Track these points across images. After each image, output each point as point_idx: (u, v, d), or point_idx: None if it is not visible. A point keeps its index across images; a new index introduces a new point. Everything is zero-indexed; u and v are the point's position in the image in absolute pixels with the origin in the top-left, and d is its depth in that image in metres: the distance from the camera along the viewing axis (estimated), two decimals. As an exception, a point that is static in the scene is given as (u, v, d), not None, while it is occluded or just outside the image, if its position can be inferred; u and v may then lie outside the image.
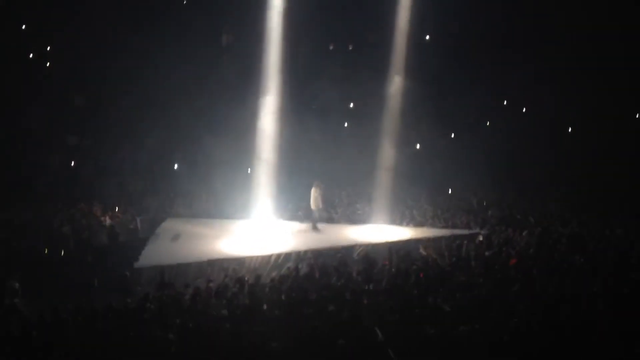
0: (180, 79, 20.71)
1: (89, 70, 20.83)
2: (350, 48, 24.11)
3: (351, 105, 23.62)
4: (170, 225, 17.13)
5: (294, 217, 18.41)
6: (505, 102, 23.70)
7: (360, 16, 22.02)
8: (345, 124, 23.63)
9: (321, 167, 20.23)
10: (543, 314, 8.95)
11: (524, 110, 23.58)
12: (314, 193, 17.01)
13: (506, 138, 21.92)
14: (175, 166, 20.79)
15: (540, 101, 22.62)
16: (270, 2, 18.59)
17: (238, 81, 20.39)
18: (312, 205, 17.07)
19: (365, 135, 20.77)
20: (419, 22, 19.77)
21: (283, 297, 10.67)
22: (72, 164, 20.79)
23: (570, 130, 22.74)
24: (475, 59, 22.54)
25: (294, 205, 18.99)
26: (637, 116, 21.72)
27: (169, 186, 20.02)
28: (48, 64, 21.24)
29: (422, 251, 14.52)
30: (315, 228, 16.83)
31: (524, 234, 15.38)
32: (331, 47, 24.06)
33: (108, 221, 17.16)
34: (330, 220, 18.13)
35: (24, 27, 20.66)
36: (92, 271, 13.65)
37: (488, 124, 22.90)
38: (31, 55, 21.04)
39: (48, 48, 21.31)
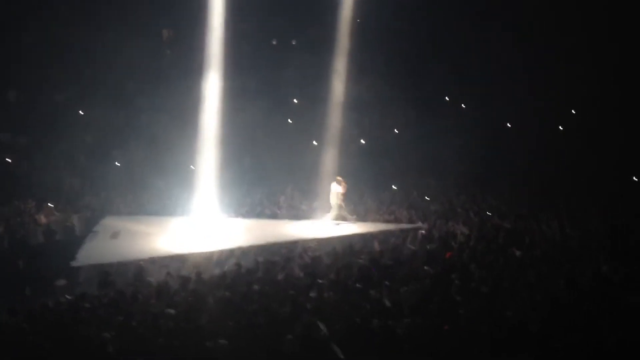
0: (118, 75, 20.27)
1: (23, 65, 20.08)
2: (294, 43, 24.07)
3: (295, 101, 23.58)
4: (109, 222, 16.75)
5: (237, 213, 18.27)
6: (446, 98, 24.09)
7: (303, 11, 21.97)
8: (289, 120, 23.58)
9: (265, 164, 20.17)
10: (481, 306, 9.13)
11: (463, 106, 24.03)
12: (334, 189, 16.89)
13: (447, 134, 22.28)
14: (116, 163, 20.33)
15: (480, 98, 23.09)
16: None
17: (179, 75, 20.08)
18: (332, 201, 16.95)
19: (308, 131, 20.79)
20: (361, 16, 19.89)
21: (226, 293, 10.56)
22: (6, 161, 20.02)
23: (509, 125, 23.30)
24: (420, 56, 22.82)
25: (237, 201, 18.84)
26: (572, 112, 22.40)
27: (108, 183, 19.53)
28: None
29: (375, 245, 14.60)
30: (344, 219, 16.73)
31: (463, 227, 15.69)
32: (274, 42, 23.97)
33: (44, 219, 16.64)
34: (273, 216, 18.07)
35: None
36: (26, 270, 13.22)
37: (429, 121, 23.21)
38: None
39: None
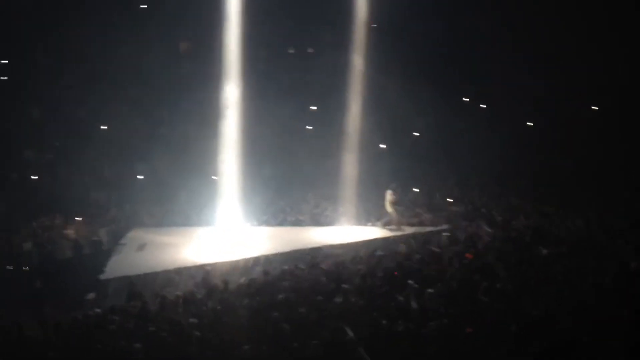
0: (139, 86, 20.52)
1: (43, 80, 20.42)
2: (310, 51, 24.14)
3: (313, 107, 23.63)
4: (135, 235, 16.97)
5: (261, 221, 18.38)
6: (463, 99, 23.94)
7: (316, 16, 21.99)
8: (308, 127, 23.63)
9: (287, 171, 20.26)
10: (508, 306, 9.09)
11: (482, 106, 23.85)
12: (389, 197, 17.42)
13: (467, 134, 22.16)
14: (139, 176, 20.56)
15: (499, 97, 22.92)
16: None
17: (199, 85, 20.24)
18: (388, 209, 17.42)
19: (329, 136, 20.81)
20: (377, 18, 19.91)
21: (253, 302, 10.64)
22: (32, 178, 20.33)
23: (529, 124, 23.08)
24: (432, 58, 22.72)
25: (260, 209, 18.94)
26: (592, 108, 22.11)
27: (133, 196, 19.76)
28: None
29: (399, 248, 14.63)
30: (396, 228, 17.03)
31: (488, 228, 15.60)
32: (291, 51, 24.06)
33: (71, 234, 16.90)
34: (296, 223, 18.15)
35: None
36: (57, 285, 13.44)
37: (448, 121, 23.11)
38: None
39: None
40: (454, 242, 14.45)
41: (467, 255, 12.69)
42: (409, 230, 16.69)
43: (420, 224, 17.33)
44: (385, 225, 17.24)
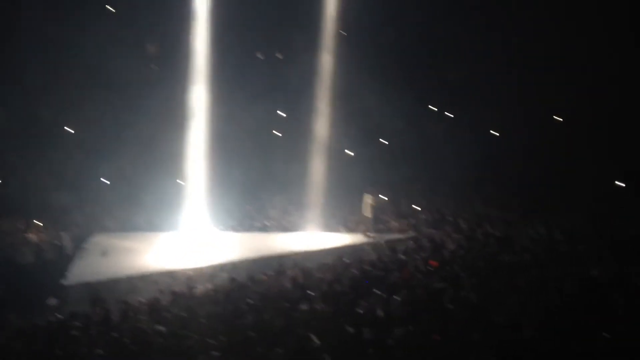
0: (104, 89, 20.23)
1: (7, 79, 19.92)
2: (279, 56, 24.08)
3: (280, 113, 23.60)
4: (98, 239, 16.70)
5: (227, 226, 18.27)
6: (429, 106, 24.14)
7: (287, 19, 21.94)
8: (275, 132, 23.57)
9: (254, 175, 20.18)
10: (471, 313, 9.18)
11: (447, 113, 24.09)
12: (369, 201, 17.80)
13: (431, 141, 22.37)
14: (102, 179, 20.22)
15: (464, 104, 23.17)
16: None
17: (165, 86, 20.04)
18: (366, 213, 17.76)
19: (298, 141, 20.79)
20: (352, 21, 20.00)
21: (218, 308, 10.56)
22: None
23: (494, 132, 23.36)
24: (401, 63, 22.85)
25: (226, 214, 18.82)
26: (554, 117, 22.44)
27: (96, 199, 19.42)
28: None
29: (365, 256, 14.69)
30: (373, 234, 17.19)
31: (454, 236, 15.76)
32: (260, 56, 23.98)
33: (33, 238, 16.55)
34: (264, 228, 18.09)
35: None
36: (18, 290, 13.13)
37: (414, 127, 23.28)
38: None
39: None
40: (420, 249, 14.55)
41: (432, 262, 12.80)
42: (376, 237, 16.77)
43: (387, 230, 17.43)
44: (365, 231, 17.28)
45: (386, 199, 19.04)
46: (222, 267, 14.23)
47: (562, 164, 20.30)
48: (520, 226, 16.25)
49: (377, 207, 18.14)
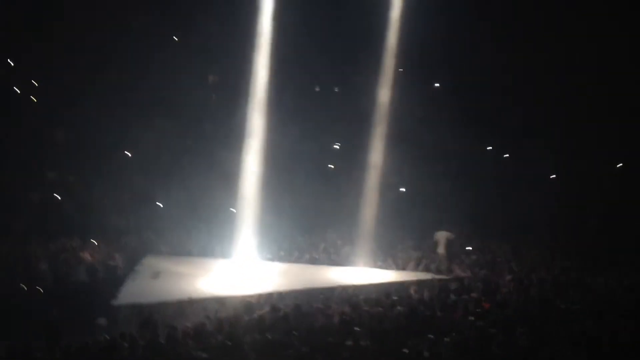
0: (162, 118, 20.76)
1: (72, 105, 20.65)
2: (336, 90, 24.24)
3: (337, 145, 23.72)
4: (150, 262, 16.94)
5: (276, 257, 18.32)
6: (489, 148, 23.82)
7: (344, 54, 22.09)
8: (330, 165, 23.66)
9: (305, 207, 20.24)
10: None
11: (506, 156, 23.71)
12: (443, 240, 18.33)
13: (487, 184, 22.04)
14: (158, 204, 20.62)
15: (520, 149, 22.81)
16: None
17: (221, 117, 20.45)
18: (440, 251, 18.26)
19: (351, 175, 20.81)
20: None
21: (262, 337, 10.50)
22: (54, 200, 20.42)
23: (552, 176, 22.86)
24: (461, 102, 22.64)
25: (276, 245, 18.90)
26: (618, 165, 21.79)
27: (150, 223, 19.80)
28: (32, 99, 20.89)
29: (412, 292, 14.47)
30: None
31: (506, 278, 15.38)
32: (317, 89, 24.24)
33: (88, 258, 16.94)
34: (313, 260, 18.06)
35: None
36: (69, 309, 13.40)
37: (472, 169, 22.98)
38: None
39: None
40: (471, 290, 14.23)
41: (484, 304, 12.49)
42: (423, 275, 16.49)
43: (438, 271, 17.13)
44: (437, 269, 17.08)
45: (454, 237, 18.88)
46: (268, 297, 14.19)
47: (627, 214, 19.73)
48: (577, 274, 15.77)
49: (450, 244, 18.19)
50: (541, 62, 21.21)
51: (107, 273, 16.43)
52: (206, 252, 18.29)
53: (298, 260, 18.35)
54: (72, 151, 20.89)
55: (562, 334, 10.20)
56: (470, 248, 18.94)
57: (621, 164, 21.45)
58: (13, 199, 19.41)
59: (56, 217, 19.57)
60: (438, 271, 16.84)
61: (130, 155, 21.37)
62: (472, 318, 11.40)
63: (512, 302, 13.00)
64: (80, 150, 20.95)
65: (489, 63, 21.82)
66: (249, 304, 13.65)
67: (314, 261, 18.12)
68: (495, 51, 21.40)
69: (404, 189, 22.14)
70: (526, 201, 21.09)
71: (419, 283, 15.49)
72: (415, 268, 17.52)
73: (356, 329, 10.72)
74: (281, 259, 18.12)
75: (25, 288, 14.54)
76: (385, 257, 18.42)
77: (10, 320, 11.89)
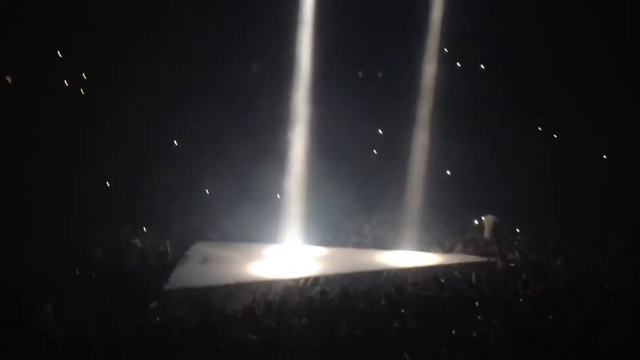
0: (209, 106, 20.98)
1: (122, 97, 21.00)
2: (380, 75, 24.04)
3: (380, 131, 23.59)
4: (199, 248, 17.26)
5: (323, 240, 18.43)
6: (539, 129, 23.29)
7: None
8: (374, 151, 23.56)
9: (353, 191, 20.25)
10: (576, 344, 8.74)
11: (554, 135, 23.17)
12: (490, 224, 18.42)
13: (537, 165, 21.60)
14: (206, 191, 20.94)
15: (572, 128, 22.23)
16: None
17: (264, 99, 20.54)
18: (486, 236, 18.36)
19: (395, 159, 20.71)
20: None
21: (310, 321, 10.59)
22: (106, 189, 20.90)
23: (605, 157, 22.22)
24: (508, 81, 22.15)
25: (323, 229, 18.99)
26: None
27: (199, 209, 20.13)
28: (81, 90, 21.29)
29: (459, 275, 14.33)
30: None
31: (557, 261, 15.09)
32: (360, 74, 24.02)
33: (138, 244, 17.36)
34: (359, 244, 18.09)
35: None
36: (121, 292, 13.76)
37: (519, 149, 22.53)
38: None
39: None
40: (520, 273, 14.03)
41: (535, 287, 12.30)
42: (471, 258, 16.32)
43: (486, 254, 16.92)
44: (484, 252, 16.90)
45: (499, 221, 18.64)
46: (315, 281, 14.29)
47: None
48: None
49: (496, 228, 18.12)
50: (594, 41, 20.52)
51: (157, 259, 16.81)
52: (254, 237, 18.49)
53: (344, 244, 18.40)
54: (122, 141, 21.29)
55: (615, 318, 9.97)
56: (519, 230, 18.65)
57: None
58: (69, 190, 19.93)
59: (109, 206, 20.05)
60: (485, 254, 16.56)
61: (176, 143, 21.70)
62: (521, 300, 11.27)
63: (563, 284, 12.77)
64: (131, 139, 21.35)
65: (540, 42, 21.25)
66: (296, 288, 13.80)
67: (360, 245, 18.14)
68: (545, 31, 20.84)
69: (449, 172, 21.91)
70: (577, 182, 20.59)
71: (467, 265, 15.34)
72: (463, 251, 17.37)
73: (403, 311, 10.70)
74: (328, 244, 18.19)
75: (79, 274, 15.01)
76: (432, 240, 18.30)
77: (66, 306, 12.26)
